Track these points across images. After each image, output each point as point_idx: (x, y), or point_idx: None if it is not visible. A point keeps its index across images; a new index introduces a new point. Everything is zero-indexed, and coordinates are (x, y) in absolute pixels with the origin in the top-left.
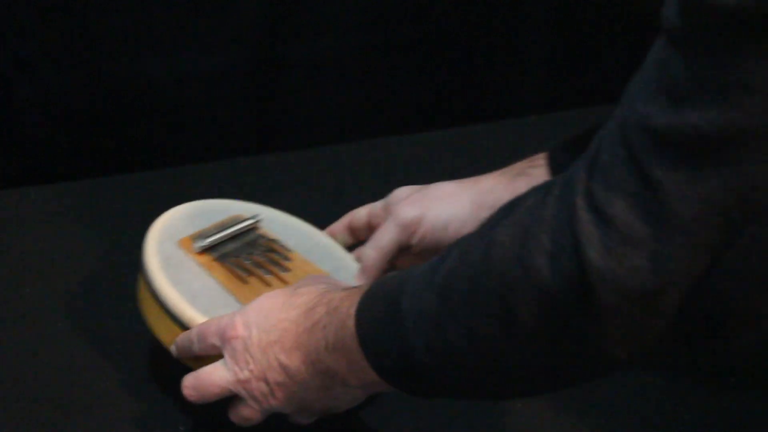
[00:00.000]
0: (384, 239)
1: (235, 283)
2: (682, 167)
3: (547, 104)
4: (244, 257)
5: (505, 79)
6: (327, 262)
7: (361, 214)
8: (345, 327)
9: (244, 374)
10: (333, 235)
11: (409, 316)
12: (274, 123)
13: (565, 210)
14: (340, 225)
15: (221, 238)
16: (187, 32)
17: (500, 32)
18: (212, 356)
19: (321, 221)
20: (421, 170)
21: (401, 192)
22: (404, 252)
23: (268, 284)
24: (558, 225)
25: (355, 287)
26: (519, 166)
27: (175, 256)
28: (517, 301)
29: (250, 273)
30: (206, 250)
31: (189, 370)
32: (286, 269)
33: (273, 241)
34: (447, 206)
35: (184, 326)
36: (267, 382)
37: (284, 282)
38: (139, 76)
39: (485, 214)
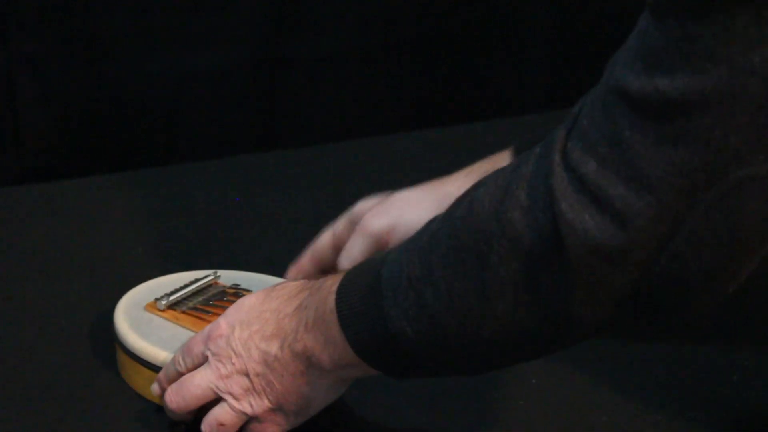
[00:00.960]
0: (355, 250)
1: (201, 326)
2: (651, 130)
3: (546, 102)
4: (204, 303)
5: (505, 77)
6: None
7: (323, 241)
8: (325, 303)
9: (226, 369)
10: (300, 272)
11: (388, 284)
12: (276, 121)
13: (543, 166)
14: (304, 260)
15: (183, 294)
16: (189, 31)
17: (500, 31)
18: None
19: (321, 219)
20: (422, 168)
21: (364, 205)
22: None
23: None
24: (535, 180)
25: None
26: (482, 166)
27: (143, 318)
28: (492, 255)
29: (213, 313)
30: (171, 306)
31: None
32: None
33: (232, 287)
34: (415, 212)
35: (160, 371)
36: (248, 375)
37: None
38: (140, 75)
39: None
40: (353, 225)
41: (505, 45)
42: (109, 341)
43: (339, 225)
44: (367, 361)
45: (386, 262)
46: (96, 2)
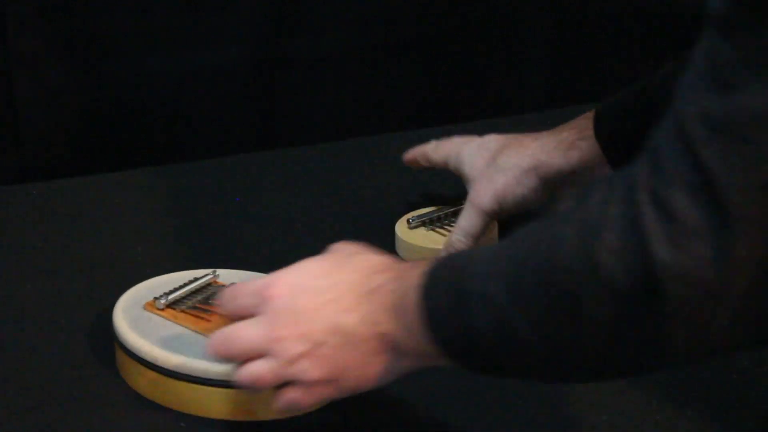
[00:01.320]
0: (470, 227)
1: (200, 324)
2: (735, 155)
3: (545, 101)
4: (203, 302)
5: (504, 76)
6: None
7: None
8: (408, 296)
9: (283, 331)
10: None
11: (474, 298)
12: (276, 120)
13: (629, 208)
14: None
15: (183, 293)
16: (189, 30)
17: (500, 30)
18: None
19: (321, 218)
20: (422, 167)
21: (475, 159)
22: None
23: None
24: (623, 223)
25: (420, 261)
26: (568, 136)
27: (142, 317)
28: (584, 297)
29: (212, 312)
30: (170, 305)
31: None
32: None
33: (230, 285)
34: (518, 186)
35: (161, 370)
36: (307, 343)
37: None
38: (140, 74)
39: (549, 182)
40: (460, 175)
41: (505, 45)
42: (108, 340)
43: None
44: (452, 360)
45: (471, 276)
46: (96, 2)
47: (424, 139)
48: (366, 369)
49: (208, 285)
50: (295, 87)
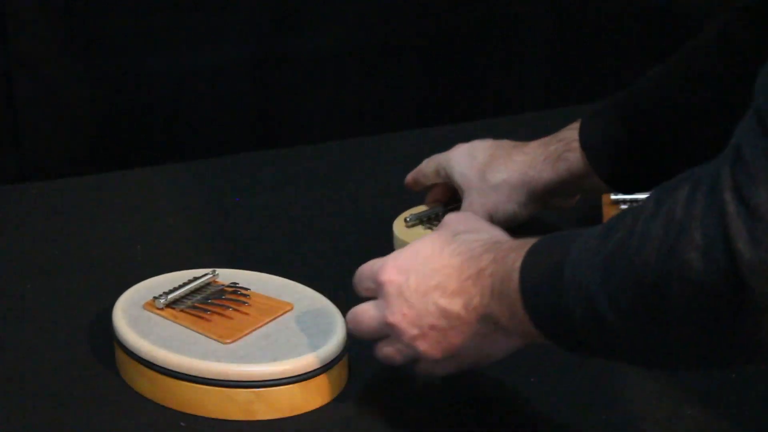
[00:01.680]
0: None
1: (200, 324)
2: None
3: (545, 101)
4: (202, 301)
5: (504, 76)
6: (287, 296)
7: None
8: (510, 279)
9: (395, 317)
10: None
11: (570, 284)
12: (275, 120)
13: (714, 205)
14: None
15: (182, 292)
16: (188, 30)
17: (500, 30)
18: None
19: (320, 219)
20: None
21: (465, 170)
22: None
23: (230, 318)
24: (708, 221)
25: (520, 240)
26: (555, 148)
27: (141, 316)
28: (671, 293)
29: (212, 312)
30: (169, 305)
31: None
32: (245, 303)
33: (230, 285)
34: (509, 204)
35: (160, 369)
36: (419, 327)
37: (244, 314)
38: (140, 74)
39: (536, 196)
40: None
41: (504, 45)
42: (108, 339)
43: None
44: (551, 341)
45: (568, 262)
46: (96, 2)
47: (423, 139)
48: (479, 348)
49: (208, 284)
50: (295, 86)
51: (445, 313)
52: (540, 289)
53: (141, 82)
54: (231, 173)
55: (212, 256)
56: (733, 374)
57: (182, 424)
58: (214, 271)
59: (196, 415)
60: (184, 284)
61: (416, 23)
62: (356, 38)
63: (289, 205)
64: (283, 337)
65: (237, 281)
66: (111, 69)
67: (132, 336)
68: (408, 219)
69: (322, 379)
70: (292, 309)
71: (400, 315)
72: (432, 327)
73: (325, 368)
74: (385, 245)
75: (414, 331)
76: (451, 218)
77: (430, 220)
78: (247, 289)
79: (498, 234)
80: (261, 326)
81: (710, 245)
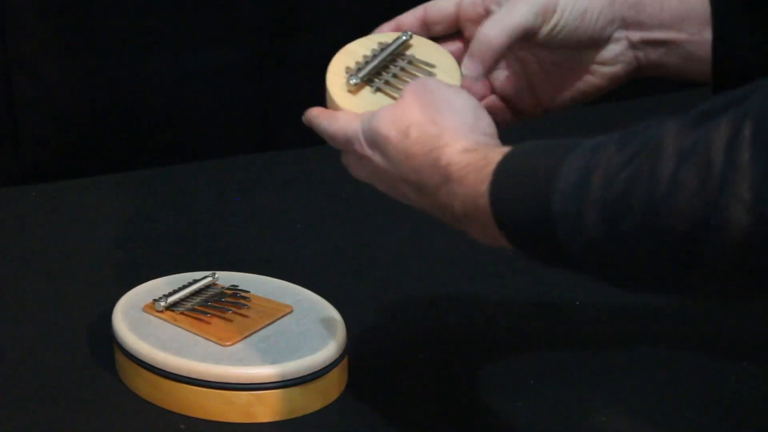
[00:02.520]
0: (513, 20)
1: (199, 326)
2: None
3: None
4: (202, 304)
5: None
6: (287, 298)
7: (446, 2)
8: (476, 203)
9: (360, 174)
10: (399, 28)
11: (563, 222)
12: (275, 121)
13: (764, 157)
14: (410, 17)
15: (182, 295)
16: (188, 31)
17: None
18: None
19: (320, 220)
20: None
21: None
22: (526, 41)
23: (229, 320)
24: (758, 174)
25: (470, 151)
26: None
27: (141, 319)
28: (707, 246)
29: (211, 315)
30: (169, 307)
31: None
32: (244, 305)
33: (230, 288)
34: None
35: (160, 372)
36: (386, 186)
37: (244, 316)
38: (139, 75)
39: (623, 9)
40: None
41: None
42: (107, 342)
43: None
44: (536, 261)
45: (555, 192)
46: (95, 3)
47: None
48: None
49: (208, 287)
50: (295, 88)
51: (408, 196)
52: (523, 221)
53: (141, 84)
54: (231, 175)
55: (212, 258)
56: (733, 375)
57: (182, 426)
58: (214, 274)
59: (195, 418)
60: (184, 287)
61: None
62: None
63: (289, 207)
64: (283, 340)
65: (237, 284)
66: (111, 71)
67: (132, 338)
68: (352, 76)
69: (321, 382)
70: (291, 311)
71: (364, 174)
72: (399, 191)
73: (324, 371)
74: (386, 248)
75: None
76: (409, 92)
77: (380, 75)
78: (246, 291)
79: (451, 125)
80: (260, 329)
81: (760, 201)
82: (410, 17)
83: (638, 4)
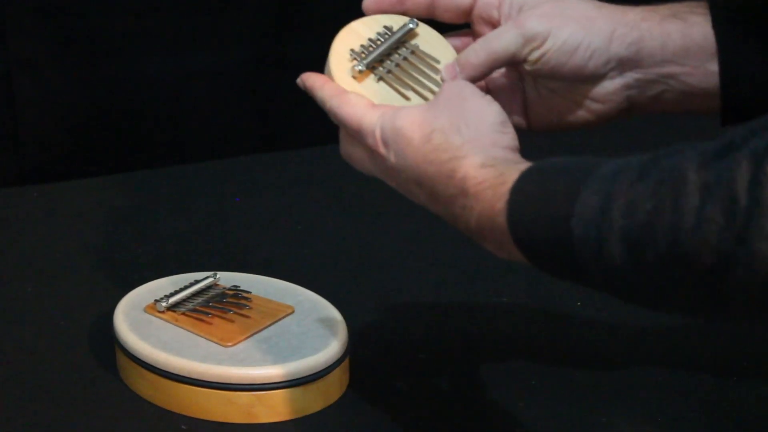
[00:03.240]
0: (500, 44)
1: (201, 327)
2: None
3: None
4: (204, 304)
5: None
6: (288, 298)
7: None
8: (493, 221)
9: (368, 168)
10: (403, 3)
11: (584, 247)
12: (276, 122)
13: None
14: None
15: (183, 296)
16: (188, 31)
17: None
18: None
19: (320, 221)
20: None
21: None
22: (514, 64)
23: (231, 321)
24: None
25: (487, 167)
26: (673, 6)
27: (143, 319)
28: (734, 279)
29: (212, 315)
30: (170, 308)
31: None
32: (246, 306)
33: (231, 288)
34: (580, 29)
35: (161, 373)
36: (396, 184)
37: (245, 317)
38: (140, 75)
39: (621, 50)
40: (512, 9)
41: None
42: (109, 343)
43: None
44: (546, 272)
45: (575, 216)
46: (96, 4)
47: None
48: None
49: (209, 287)
50: (296, 89)
51: (419, 198)
52: (541, 242)
53: (141, 85)
54: (232, 176)
55: (213, 259)
56: (734, 377)
57: (183, 427)
58: (215, 274)
59: (197, 418)
60: (185, 287)
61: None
62: None
63: (290, 208)
64: (284, 340)
65: (238, 284)
66: (111, 72)
67: (133, 339)
68: (356, 65)
69: (323, 382)
70: (293, 312)
71: (377, 171)
72: (406, 189)
73: (326, 371)
74: (387, 248)
75: (385, 176)
76: (443, 97)
77: (383, 63)
78: (248, 292)
79: (474, 136)
80: (262, 329)
81: None
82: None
83: (637, 43)
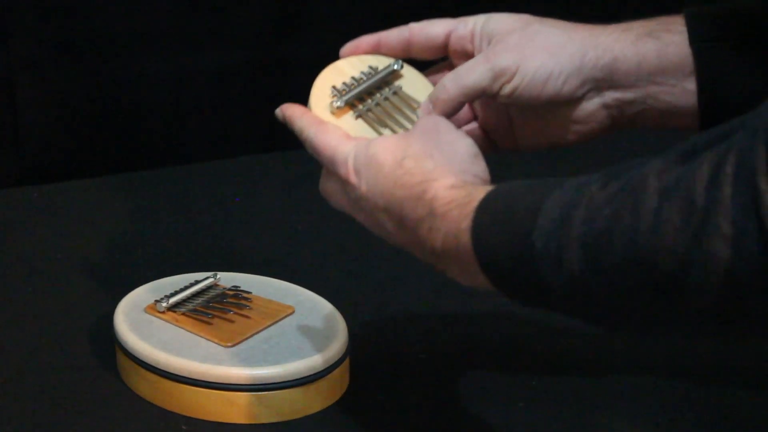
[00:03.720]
0: (470, 79)
1: (202, 327)
2: None
3: None
4: (204, 304)
5: None
6: (289, 299)
7: (435, 30)
8: (458, 240)
9: (341, 202)
10: (379, 46)
11: (544, 257)
12: (276, 122)
13: (745, 192)
14: (394, 38)
15: (184, 296)
16: (189, 32)
17: None
18: None
19: (321, 221)
20: None
21: (502, 23)
22: (487, 97)
23: (231, 321)
24: (738, 209)
25: (457, 188)
26: (647, 24)
27: (143, 319)
28: (689, 283)
29: (213, 316)
30: (171, 308)
31: None
32: (246, 306)
33: (232, 289)
34: (550, 58)
35: (162, 373)
36: (365, 215)
37: (246, 317)
38: (140, 76)
39: (595, 72)
40: (482, 40)
41: None
42: (109, 343)
43: (467, 26)
44: (518, 302)
45: (537, 229)
46: (97, 5)
47: None
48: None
49: (209, 288)
50: (297, 90)
51: (388, 231)
52: (505, 259)
53: (142, 85)
54: (232, 176)
55: (214, 259)
56: (734, 377)
57: (183, 427)
58: (216, 275)
59: (197, 419)
60: (186, 287)
61: None
62: None
63: (291, 208)
64: (285, 341)
65: (238, 284)
66: (112, 72)
67: (133, 339)
68: (335, 101)
69: (323, 383)
70: (293, 312)
71: (342, 203)
72: (373, 223)
73: (326, 371)
74: (387, 248)
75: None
76: (417, 128)
77: (363, 101)
78: (248, 292)
79: (445, 162)
80: (262, 329)
81: (741, 236)
82: (394, 38)
83: (611, 65)
